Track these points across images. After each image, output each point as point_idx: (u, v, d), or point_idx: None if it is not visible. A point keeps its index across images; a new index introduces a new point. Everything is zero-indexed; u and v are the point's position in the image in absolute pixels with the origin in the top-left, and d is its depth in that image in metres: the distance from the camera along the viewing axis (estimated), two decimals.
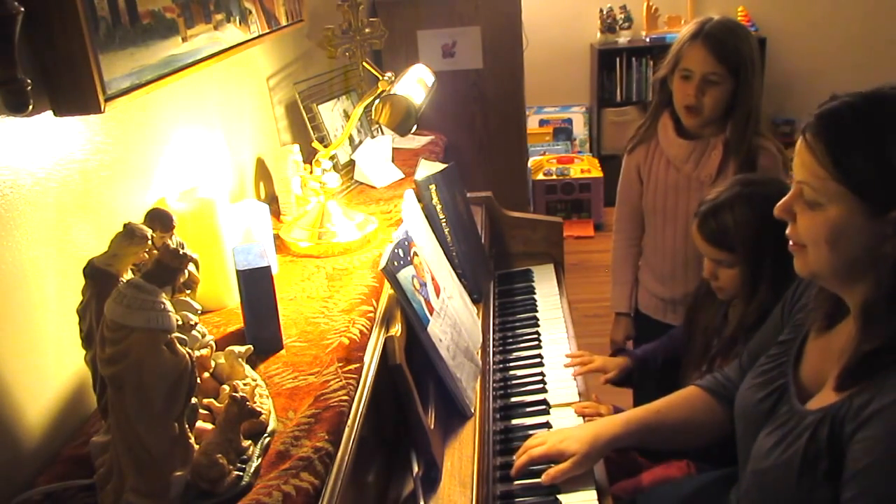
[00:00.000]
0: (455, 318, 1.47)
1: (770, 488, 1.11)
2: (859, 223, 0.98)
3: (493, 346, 1.73)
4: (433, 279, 1.45)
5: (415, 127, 1.57)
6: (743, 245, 1.48)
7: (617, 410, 1.67)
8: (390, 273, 1.27)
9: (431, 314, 1.35)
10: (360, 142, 2.16)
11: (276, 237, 1.57)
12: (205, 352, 1.02)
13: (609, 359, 1.79)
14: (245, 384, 1.02)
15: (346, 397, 1.04)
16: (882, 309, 1.00)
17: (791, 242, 1.09)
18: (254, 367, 1.12)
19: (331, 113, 2.12)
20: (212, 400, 1.01)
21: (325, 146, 1.77)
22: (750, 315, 1.50)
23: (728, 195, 1.53)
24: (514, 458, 1.39)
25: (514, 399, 1.63)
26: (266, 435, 0.96)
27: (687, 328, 1.75)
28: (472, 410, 1.36)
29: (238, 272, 1.15)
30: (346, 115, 2.19)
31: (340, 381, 1.08)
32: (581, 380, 1.70)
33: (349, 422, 1.02)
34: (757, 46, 1.87)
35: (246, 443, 0.92)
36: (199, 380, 0.86)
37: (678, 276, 1.99)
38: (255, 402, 0.98)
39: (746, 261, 1.49)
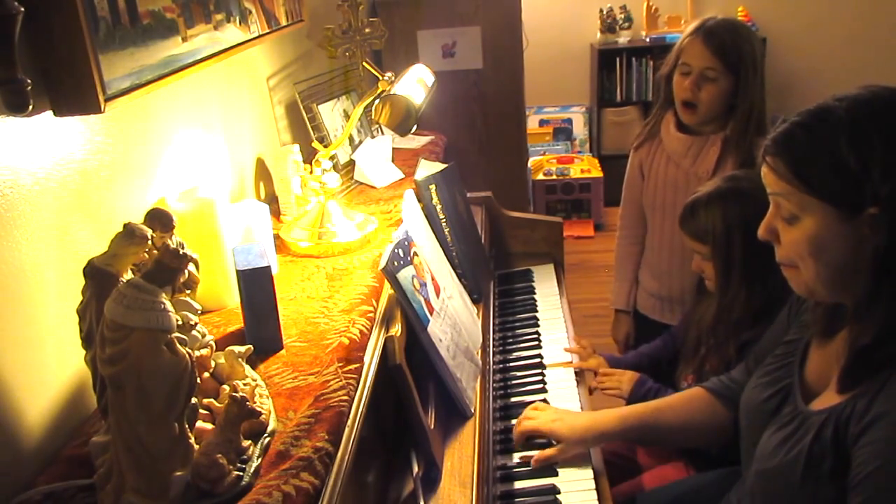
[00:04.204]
0: (455, 318, 1.47)
1: (774, 488, 1.11)
2: (836, 229, 1.01)
3: (493, 346, 1.73)
4: (433, 279, 1.45)
5: (415, 127, 1.58)
6: (714, 240, 1.53)
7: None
8: (390, 273, 1.27)
9: (431, 314, 1.36)
10: (360, 142, 2.16)
11: (276, 237, 1.57)
12: (205, 352, 1.02)
13: (603, 362, 1.80)
14: (245, 384, 1.02)
15: (346, 397, 1.04)
16: (868, 304, 1.02)
17: (782, 266, 1.11)
18: (254, 367, 1.12)
19: (331, 113, 2.12)
20: (212, 400, 1.01)
21: (325, 146, 1.77)
22: (731, 310, 1.53)
23: (708, 191, 1.58)
24: (518, 423, 1.46)
25: (514, 399, 1.63)
26: (266, 435, 0.96)
27: (686, 321, 1.76)
28: (472, 410, 1.36)
29: (238, 272, 1.15)
30: (346, 115, 2.19)
31: (340, 381, 1.08)
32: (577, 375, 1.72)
33: (349, 422, 1.02)
34: (759, 47, 1.87)
35: (246, 443, 0.92)
36: (199, 380, 0.86)
37: (675, 272, 1.99)
38: (255, 402, 0.98)
39: (718, 255, 1.54)
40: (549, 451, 1.39)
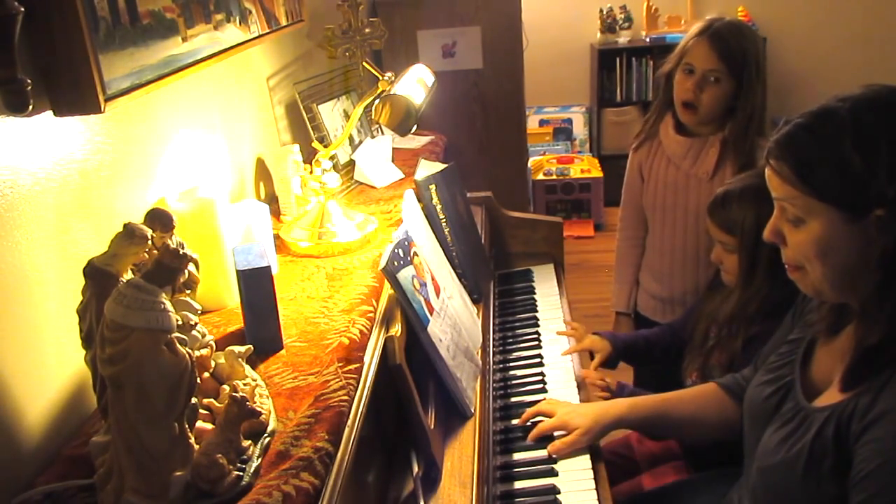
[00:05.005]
0: (455, 318, 1.47)
1: (776, 485, 1.11)
2: (842, 231, 1.01)
3: (493, 346, 1.73)
4: (433, 279, 1.45)
5: (415, 127, 1.57)
6: (742, 233, 1.53)
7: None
8: (390, 273, 1.27)
9: (431, 314, 1.35)
10: (360, 142, 2.16)
11: (276, 237, 1.57)
12: (205, 352, 1.02)
13: (597, 340, 1.79)
14: (245, 384, 1.02)
15: (346, 397, 1.04)
16: (876, 305, 1.01)
17: (789, 268, 1.11)
18: (254, 367, 1.12)
19: (331, 113, 2.12)
20: (212, 400, 1.01)
21: (325, 146, 1.77)
22: (749, 304, 1.53)
23: (742, 185, 1.58)
24: (523, 418, 1.49)
25: (514, 399, 1.63)
26: (266, 435, 0.96)
27: (693, 316, 1.76)
28: (472, 410, 1.36)
29: (238, 272, 1.15)
30: (346, 115, 2.19)
31: (340, 381, 1.08)
32: (577, 364, 1.73)
33: (349, 422, 1.02)
34: (763, 51, 1.87)
35: (246, 443, 0.92)
36: (199, 380, 0.86)
37: (676, 274, 1.99)
38: (255, 402, 0.98)
39: (745, 249, 1.53)
40: (567, 440, 1.40)
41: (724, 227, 1.57)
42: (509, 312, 1.99)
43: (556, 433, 1.43)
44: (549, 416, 1.46)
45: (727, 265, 1.60)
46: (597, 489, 1.33)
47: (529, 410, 1.50)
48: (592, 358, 1.78)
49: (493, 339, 1.76)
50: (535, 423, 1.48)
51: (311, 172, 1.68)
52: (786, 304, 1.44)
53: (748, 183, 1.57)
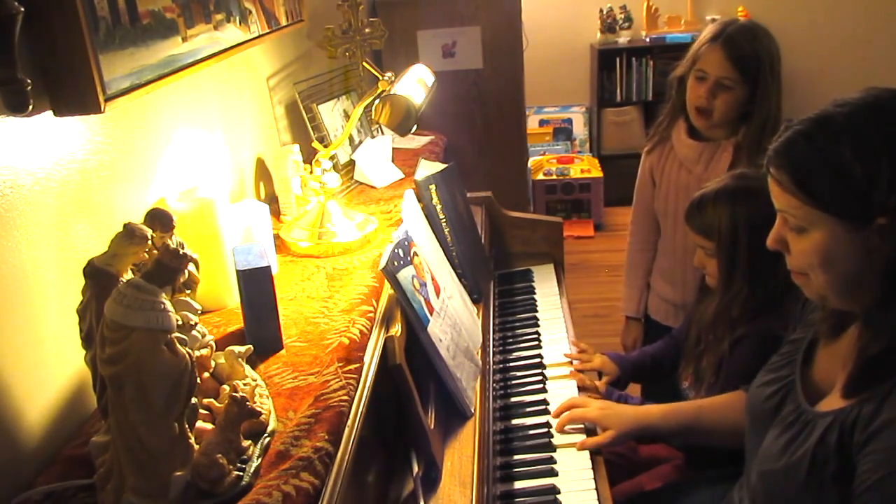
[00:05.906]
0: (455, 318, 1.47)
1: (778, 489, 1.11)
2: (844, 240, 1.00)
3: (493, 346, 1.73)
4: (433, 279, 1.45)
5: (415, 127, 1.58)
6: (720, 237, 1.53)
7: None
8: (390, 273, 1.27)
9: (431, 314, 1.36)
10: (360, 142, 2.16)
11: (276, 237, 1.57)
12: (205, 352, 1.02)
13: (607, 361, 1.79)
14: (245, 384, 1.02)
15: (346, 397, 1.04)
16: (880, 313, 1.01)
17: (793, 274, 1.10)
18: (254, 367, 1.12)
19: (331, 113, 2.12)
20: (212, 400, 1.01)
21: (325, 146, 1.77)
22: (731, 306, 1.53)
23: (717, 188, 1.57)
24: (557, 411, 1.52)
25: (514, 399, 1.63)
26: (266, 435, 0.96)
27: (687, 321, 1.76)
28: (472, 410, 1.36)
29: (238, 272, 1.15)
30: (346, 115, 2.19)
31: (340, 381, 1.08)
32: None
33: (349, 422, 1.02)
34: (778, 54, 1.81)
35: (246, 443, 0.92)
36: (199, 380, 0.86)
37: (688, 278, 1.97)
38: (255, 402, 0.98)
39: (723, 252, 1.53)
40: (598, 439, 1.43)
41: (701, 232, 1.57)
42: (509, 312, 1.99)
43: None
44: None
45: (709, 269, 1.59)
46: (597, 489, 1.33)
47: (562, 404, 1.52)
48: (601, 378, 1.77)
49: (493, 339, 1.76)
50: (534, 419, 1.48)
51: (311, 172, 1.68)
52: (770, 304, 1.44)
53: (722, 185, 1.56)
